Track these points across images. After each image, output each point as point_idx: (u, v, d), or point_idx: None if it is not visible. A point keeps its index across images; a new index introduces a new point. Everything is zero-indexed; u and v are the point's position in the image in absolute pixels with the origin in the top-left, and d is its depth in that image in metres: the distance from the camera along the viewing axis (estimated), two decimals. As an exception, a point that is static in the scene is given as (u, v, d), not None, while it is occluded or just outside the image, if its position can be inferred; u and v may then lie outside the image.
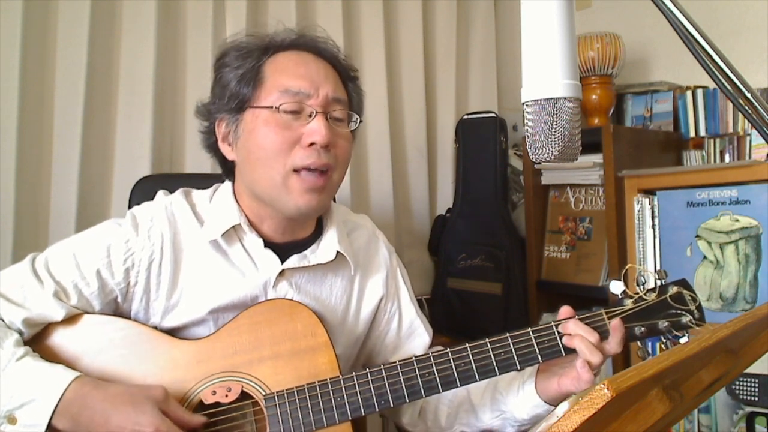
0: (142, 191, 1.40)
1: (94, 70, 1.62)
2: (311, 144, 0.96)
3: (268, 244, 1.03)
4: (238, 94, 0.99)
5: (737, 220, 1.47)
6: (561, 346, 0.93)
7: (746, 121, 1.62)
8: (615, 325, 0.92)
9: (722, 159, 1.78)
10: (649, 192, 1.64)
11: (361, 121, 1.06)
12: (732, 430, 1.47)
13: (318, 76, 0.99)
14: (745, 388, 1.35)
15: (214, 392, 0.92)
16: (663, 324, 0.94)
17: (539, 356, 0.93)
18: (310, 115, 0.97)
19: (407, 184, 2.26)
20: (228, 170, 1.08)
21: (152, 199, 1.07)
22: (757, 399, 1.34)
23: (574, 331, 0.91)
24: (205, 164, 1.79)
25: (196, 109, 1.08)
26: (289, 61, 1.01)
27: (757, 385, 1.34)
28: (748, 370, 1.31)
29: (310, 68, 1.00)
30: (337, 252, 1.05)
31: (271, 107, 0.97)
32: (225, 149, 1.04)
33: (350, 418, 0.92)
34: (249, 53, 1.01)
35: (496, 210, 2.12)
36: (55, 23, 1.58)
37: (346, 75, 1.07)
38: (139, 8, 1.68)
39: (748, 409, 1.38)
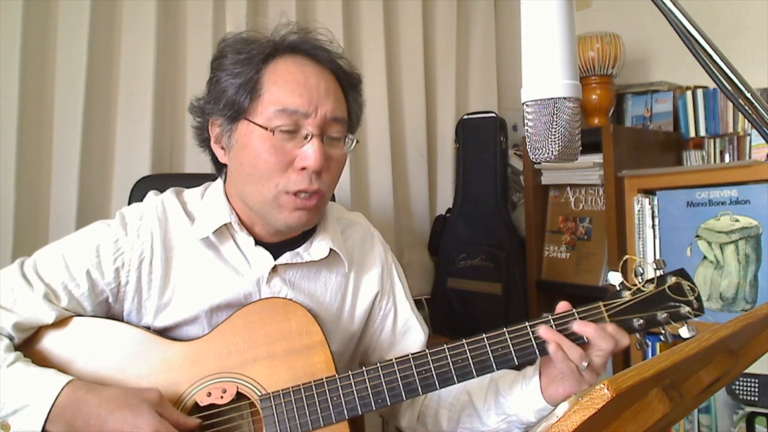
0: (142, 191, 1.39)
1: (94, 70, 1.62)
2: (303, 168, 0.94)
3: (259, 242, 1.02)
4: (234, 103, 0.96)
5: (737, 220, 1.47)
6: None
7: (746, 121, 1.62)
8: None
9: (722, 159, 1.78)
10: (649, 192, 1.64)
11: (357, 141, 1.02)
12: (732, 430, 1.47)
13: (318, 92, 0.95)
14: (745, 388, 1.35)
15: (209, 394, 0.91)
16: (662, 315, 0.92)
17: (537, 351, 0.92)
18: (306, 137, 0.94)
19: (407, 184, 2.25)
20: (220, 168, 1.07)
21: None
22: (757, 399, 1.34)
23: (550, 338, 0.90)
24: (206, 164, 1.77)
25: (190, 106, 1.06)
26: (288, 74, 0.96)
27: (757, 385, 1.34)
28: (748, 370, 1.31)
29: (309, 82, 0.95)
30: (331, 249, 1.05)
31: (267, 128, 0.94)
32: (218, 151, 1.03)
33: (347, 417, 0.91)
34: (248, 60, 0.96)
35: (496, 210, 2.12)
36: (55, 23, 1.58)
37: (348, 83, 1.03)
38: (139, 8, 1.68)
39: (748, 409, 1.38)
